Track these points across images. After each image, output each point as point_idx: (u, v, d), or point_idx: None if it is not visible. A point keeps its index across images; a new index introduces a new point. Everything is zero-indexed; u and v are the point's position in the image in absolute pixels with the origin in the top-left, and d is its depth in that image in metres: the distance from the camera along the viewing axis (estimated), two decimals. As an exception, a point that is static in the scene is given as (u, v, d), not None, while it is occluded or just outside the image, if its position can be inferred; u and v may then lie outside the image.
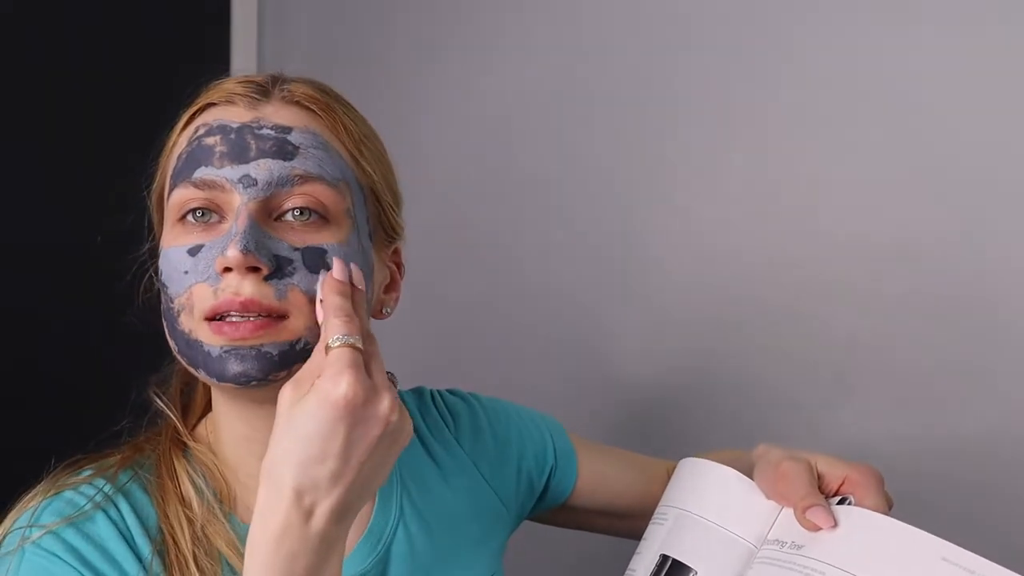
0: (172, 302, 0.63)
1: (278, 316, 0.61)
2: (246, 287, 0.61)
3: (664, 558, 0.65)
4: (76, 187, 1.36)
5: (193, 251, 0.63)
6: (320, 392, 0.54)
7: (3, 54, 1.35)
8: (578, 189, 1.19)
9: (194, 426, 0.73)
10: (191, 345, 0.62)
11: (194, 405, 0.74)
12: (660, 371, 1.12)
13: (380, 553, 0.71)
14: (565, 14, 1.20)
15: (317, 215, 0.64)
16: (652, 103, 1.11)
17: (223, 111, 0.65)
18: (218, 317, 0.61)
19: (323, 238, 0.63)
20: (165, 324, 0.66)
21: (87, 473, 0.68)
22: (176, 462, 0.68)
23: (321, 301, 0.61)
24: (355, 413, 0.54)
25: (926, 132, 0.90)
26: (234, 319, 0.61)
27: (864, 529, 0.58)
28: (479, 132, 1.32)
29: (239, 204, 0.62)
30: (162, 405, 0.72)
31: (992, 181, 0.86)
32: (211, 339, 0.61)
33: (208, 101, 0.66)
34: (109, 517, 0.64)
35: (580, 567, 1.13)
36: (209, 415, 0.73)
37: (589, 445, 0.87)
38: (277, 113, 0.65)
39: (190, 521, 0.64)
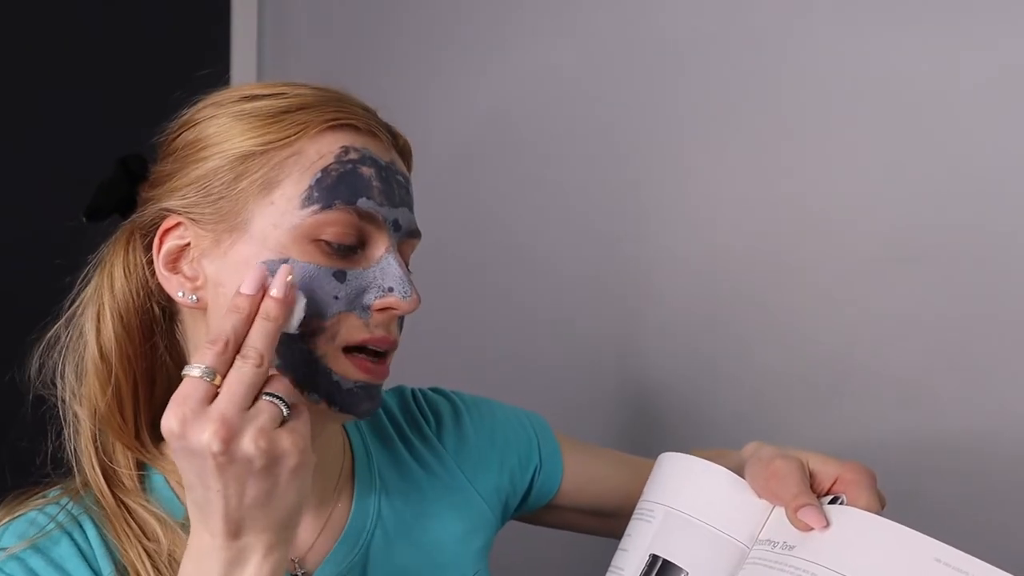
0: (308, 319, 0.62)
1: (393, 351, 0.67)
2: (395, 329, 0.66)
3: (654, 558, 0.64)
4: (77, 187, 1.36)
5: (339, 276, 0.63)
6: None
7: (3, 54, 1.35)
8: (584, 187, 1.19)
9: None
10: (316, 369, 0.63)
11: (141, 423, 0.69)
12: (663, 369, 1.11)
13: (358, 555, 0.70)
14: (571, 12, 1.20)
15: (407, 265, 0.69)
16: (657, 103, 1.11)
17: (368, 141, 0.66)
18: (356, 349, 0.64)
19: None
20: None
21: (54, 493, 0.67)
22: (127, 499, 0.66)
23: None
24: (181, 445, 0.54)
25: (926, 133, 0.89)
26: (367, 356, 0.64)
27: (856, 529, 0.57)
28: (479, 132, 1.32)
29: (388, 245, 0.65)
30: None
31: (991, 181, 0.86)
32: (348, 372, 0.64)
33: (349, 121, 0.65)
34: (72, 538, 0.63)
35: (566, 566, 1.12)
36: None
37: (576, 444, 0.87)
38: (398, 160, 0.69)
39: (151, 556, 0.63)
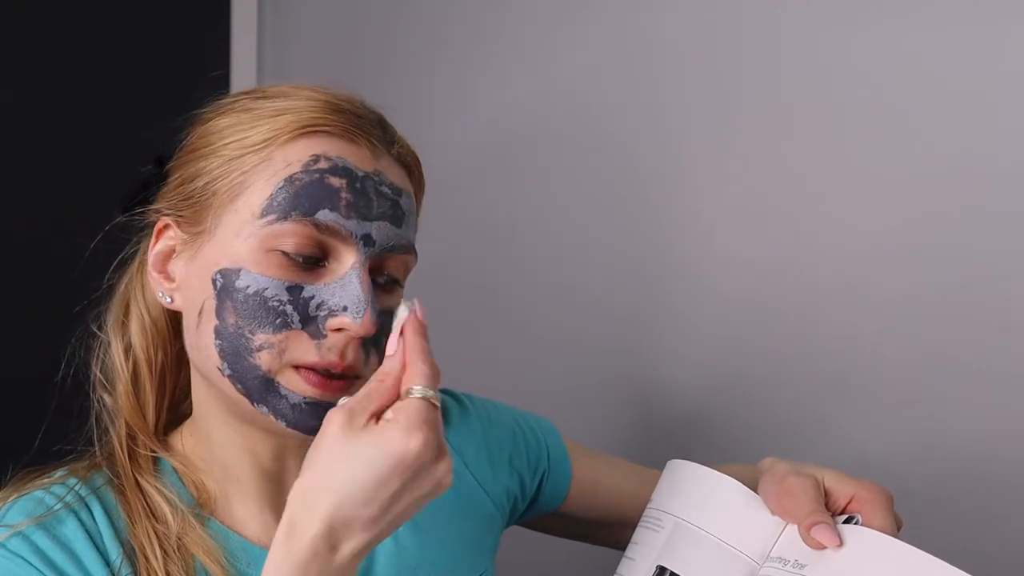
0: (253, 334, 0.60)
1: (357, 376, 0.63)
2: (351, 353, 0.62)
3: (661, 570, 0.64)
4: (77, 188, 1.35)
5: (292, 291, 0.61)
6: (390, 440, 0.53)
7: (2, 56, 1.35)
8: (590, 195, 1.18)
9: (164, 433, 0.72)
10: (262, 382, 0.61)
11: (160, 413, 0.71)
12: (669, 374, 1.11)
13: None
14: (577, 19, 1.19)
15: (399, 281, 0.66)
16: (661, 109, 1.10)
17: (344, 148, 0.63)
18: (306, 367, 0.61)
19: (395, 300, 0.64)
20: (217, 343, 0.62)
21: (60, 473, 0.67)
22: (142, 479, 0.66)
23: (401, 335, 0.59)
24: (418, 472, 0.53)
25: (927, 133, 0.90)
26: (319, 372, 0.61)
27: (870, 550, 0.57)
28: (480, 137, 1.31)
29: (355, 261, 0.61)
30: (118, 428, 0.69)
31: (992, 181, 0.86)
32: (297, 387, 0.61)
33: (324, 127, 0.63)
34: (79, 519, 0.63)
35: (571, 572, 1.12)
36: (186, 426, 0.71)
37: (586, 451, 0.86)
38: (391, 170, 0.66)
39: (160, 537, 0.63)
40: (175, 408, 0.73)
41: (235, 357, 0.61)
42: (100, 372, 0.70)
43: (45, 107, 1.37)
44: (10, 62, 1.35)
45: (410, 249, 0.66)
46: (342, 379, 0.62)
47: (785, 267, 1.00)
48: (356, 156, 0.63)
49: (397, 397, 0.56)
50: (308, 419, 0.61)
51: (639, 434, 1.13)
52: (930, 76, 0.89)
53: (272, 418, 0.62)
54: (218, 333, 0.62)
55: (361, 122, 0.65)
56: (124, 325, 0.69)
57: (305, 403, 0.61)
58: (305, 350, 0.61)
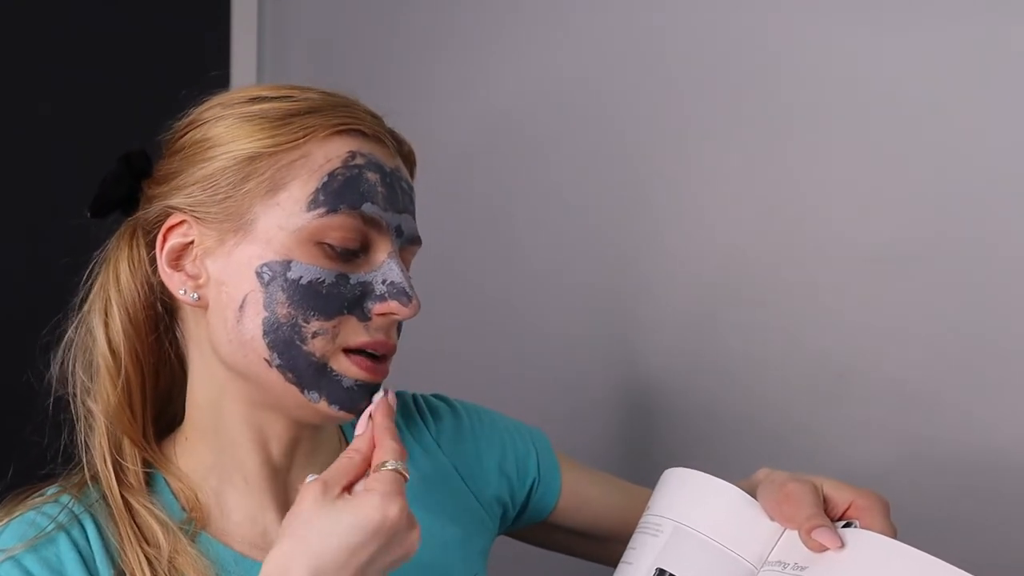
0: (307, 322, 0.63)
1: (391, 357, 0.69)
2: (393, 334, 0.67)
3: (660, 572, 0.64)
4: (77, 188, 1.35)
5: (342, 279, 0.64)
6: (368, 507, 0.57)
7: (2, 57, 1.34)
8: (584, 190, 1.19)
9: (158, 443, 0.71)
10: (316, 369, 0.64)
11: (148, 419, 0.70)
12: (664, 372, 1.11)
13: None
14: (574, 14, 1.20)
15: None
16: (657, 105, 1.10)
17: (374, 147, 0.67)
18: (356, 351, 0.65)
19: None
20: (267, 335, 0.63)
21: (52, 491, 0.66)
22: (132, 499, 0.66)
23: (370, 418, 0.65)
24: (393, 537, 0.57)
25: (928, 133, 0.90)
26: (367, 357, 0.65)
27: (871, 552, 0.57)
28: (477, 135, 1.31)
29: (390, 250, 0.66)
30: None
31: (994, 184, 0.86)
32: (349, 371, 0.65)
33: (356, 126, 0.66)
34: (71, 538, 0.63)
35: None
36: (179, 433, 0.71)
37: (575, 464, 0.87)
38: (402, 168, 0.70)
39: (151, 561, 0.63)
40: (160, 416, 0.72)
41: (286, 346, 0.63)
42: (84, 377, 0.69)
43: (45, 108, 1.37)
44: (10, 63, 1.35)
45: (420, 241, 0.71)
46: (384, 361, 0.67)
47: (784, 267, 1.00)
48: (382, 153, 0.67)
49: (366, 472, 0.61)
50: (359, 400, 0.65)
51: (633, 431, 1.13)
52: (931, 76, 0.89)
53: (324, 403, 0.65)
54: (267, 324, 0.63)
55: (381, 123, 0.69)
56: (107, 328, 0.68)
57: (356, 385, 0.65)
58: (355, 332, 0.65)
